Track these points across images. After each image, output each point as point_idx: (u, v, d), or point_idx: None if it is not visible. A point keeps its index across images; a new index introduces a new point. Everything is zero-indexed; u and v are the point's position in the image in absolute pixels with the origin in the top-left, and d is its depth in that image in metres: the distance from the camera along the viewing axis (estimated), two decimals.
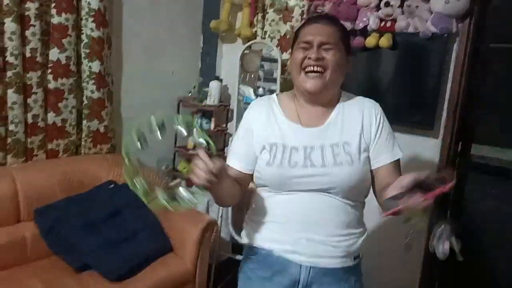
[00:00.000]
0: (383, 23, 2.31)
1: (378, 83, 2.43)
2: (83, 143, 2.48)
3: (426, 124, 2.28)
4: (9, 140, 2.15)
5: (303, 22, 1.44)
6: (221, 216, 2.71)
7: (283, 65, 2.63)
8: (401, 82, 2.35)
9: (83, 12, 2.32)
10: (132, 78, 2.74)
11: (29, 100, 2.19)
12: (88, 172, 2.37)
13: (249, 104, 1.39)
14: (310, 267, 1.21)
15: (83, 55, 2.36)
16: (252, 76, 2.78)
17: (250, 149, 1.27)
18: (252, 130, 1.29)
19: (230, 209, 2.63)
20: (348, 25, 2.33)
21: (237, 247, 2.74)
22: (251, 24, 2.84)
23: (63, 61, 2.26)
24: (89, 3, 2.30)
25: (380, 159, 1.24)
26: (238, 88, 2.77)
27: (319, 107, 1.27)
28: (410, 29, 2.24)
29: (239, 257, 1.92)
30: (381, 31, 2.30)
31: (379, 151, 1.24)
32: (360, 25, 2.32)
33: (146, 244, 2.12)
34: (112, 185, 2.35)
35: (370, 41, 2.27)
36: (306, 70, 1.21)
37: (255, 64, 2.79)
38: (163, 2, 2.83)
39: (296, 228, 1.21)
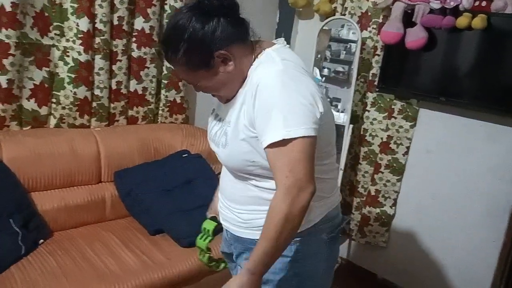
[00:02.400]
0: (477, 3, 2.16)
1: (467, 67, 2.29)
2: (160, 112, 2.56)
3: None
4: (94, 104, 2.26)
5: None
6: None
7: (363, 43, 2.55)
8: (494, 67, 2.19)
9: None
10: None
11: (114, 67, 2.28)
12: (164, 140, 2.44)
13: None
14: (227, 230, 1.32)
15: (165, 26, 2.41)
16: (319, 56, 2.72)
17: None
18: None
19: None
20: (437, 3, 2.21)
21: None
22: (331, 0, 2.76)
23: (147, 30, 2.32)
24: None
25: (261, 140, 1.04)
26: (318, 67, 2.70)
27: None
28: (508, 10, 2.08)
29: None
30: (474, 11, 2.15)
31: (258, 131, 1.05)
32: (451, 3, 2.17)
33: None
34: (186, 155, 2.42)
35: (462, 21, 2.12)
36: None
37: (323, 43, 2.72)
38: None
39: (220, 190, 1.33)
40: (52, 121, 2.18)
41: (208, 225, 1.41)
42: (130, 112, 2.43)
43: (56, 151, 2.05)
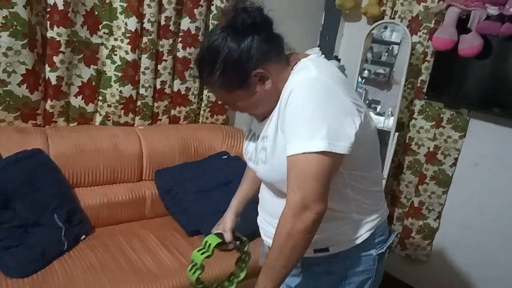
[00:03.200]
0: None
1: None
2: (202, 112, 2.56)
3: None
4: (138, 103, 2.28)
5: None
6: None
7: (412, 48, 2.45)
8: None
9: None
10: None
11: (159, 67, 2.30)
12: (204, 140, 2.44)
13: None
14: (268, 246, 1.25)
15: (211, 26, 2.40)
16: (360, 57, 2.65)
17: None
18: None
19: None
20: (495, 9, 2.09)
21: None
22: (380, 2, 2.68)
23: (193, 31, 2.32)
24: None
25: (285, 148, 1.00)
26: (361, 70, 2.64)
27: None
28: None
29: None
30: None
31: (285, 137, 1.01)
32: (510, 10, 2.06)
33: (254, 217, 2.15)
34: (226, 156, 2.41)
35: None
36: None
37: (365, 45, 2.64)
38: None
39: (260, 206, 1.29)
40: (98, 118, 2.22)
41: (211, 240, 1.28)
42: (173, 112, 2.45)
43: (100, 148, 2.09)
